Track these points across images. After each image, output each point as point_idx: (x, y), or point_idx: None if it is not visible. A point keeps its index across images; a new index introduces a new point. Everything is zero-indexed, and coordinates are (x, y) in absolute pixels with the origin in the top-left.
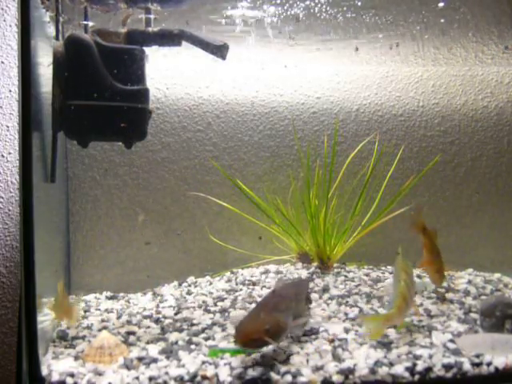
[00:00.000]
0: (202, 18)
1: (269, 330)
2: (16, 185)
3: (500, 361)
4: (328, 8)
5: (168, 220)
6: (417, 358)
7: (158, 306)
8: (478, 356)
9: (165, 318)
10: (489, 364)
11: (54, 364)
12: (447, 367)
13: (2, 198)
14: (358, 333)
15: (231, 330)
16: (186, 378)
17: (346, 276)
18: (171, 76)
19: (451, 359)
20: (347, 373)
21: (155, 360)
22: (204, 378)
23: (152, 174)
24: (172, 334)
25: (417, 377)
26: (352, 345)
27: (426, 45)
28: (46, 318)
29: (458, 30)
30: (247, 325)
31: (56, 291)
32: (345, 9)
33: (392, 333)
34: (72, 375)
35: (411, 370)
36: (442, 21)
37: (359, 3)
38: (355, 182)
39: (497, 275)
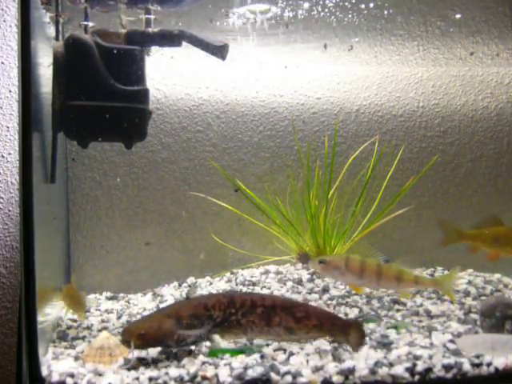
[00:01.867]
0: (201, 18)
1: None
2: (16, 185)
3: (500, 361)
4: (330, 9)
5: (168, 220)
6: (417, 358)
7: (158, 307)
8: (477, 356)
9: None
10: (489, 364)
11: (54, 364)
12: (447, 368)
13: (2, 198)
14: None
15: None
16: (186, 378)
17: None
18: (171, 76)
19: (451, 360)
20: (347, 373)
21: (155, 360)
22: (204, 378)
23: (152, 175)
24: None
25: (417, 377)
26: None
27: (426, 45)
28: (46, 318)
29: (459, 31)
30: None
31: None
32: (348, 13)
33: (392, 333)
34: (72, 375)
35: (411, 370)
36: (452, 30)
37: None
38: (355, 183)
39: (497, 276)
